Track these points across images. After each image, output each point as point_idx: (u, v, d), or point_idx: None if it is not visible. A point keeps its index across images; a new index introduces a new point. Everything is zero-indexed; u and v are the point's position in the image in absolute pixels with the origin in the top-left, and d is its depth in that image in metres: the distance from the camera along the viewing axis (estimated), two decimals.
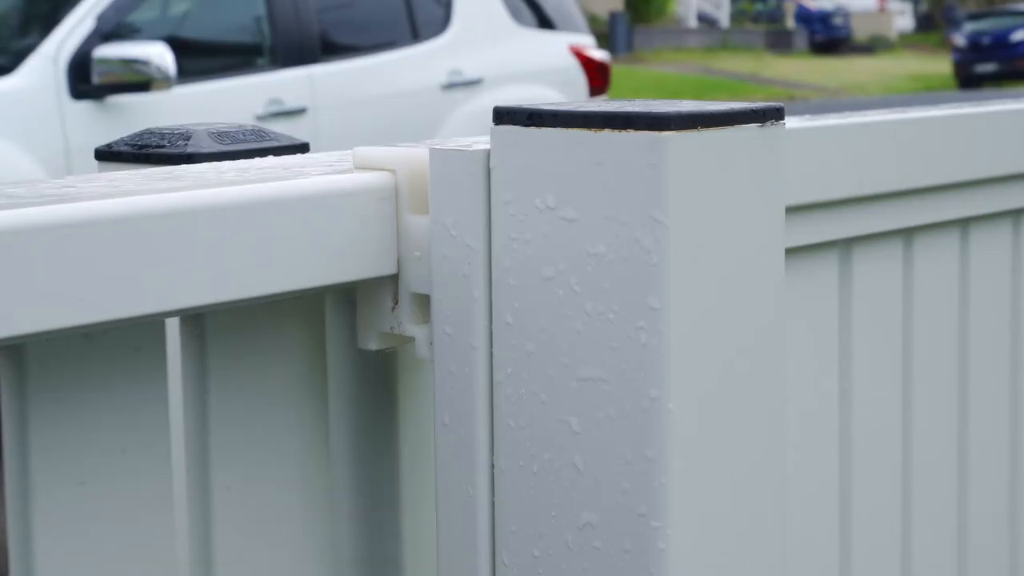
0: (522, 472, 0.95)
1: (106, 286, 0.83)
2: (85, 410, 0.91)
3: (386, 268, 0.99)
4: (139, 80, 5.58)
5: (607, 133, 0.88)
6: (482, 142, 1.01)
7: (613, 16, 27.27)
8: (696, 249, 0.89)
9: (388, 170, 0.99)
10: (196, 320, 0.97)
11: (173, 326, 0.99)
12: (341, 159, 1.08)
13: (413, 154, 0.99)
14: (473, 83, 6.84)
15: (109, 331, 0.90)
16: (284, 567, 1.03)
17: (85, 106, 5.58)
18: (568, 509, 0.93)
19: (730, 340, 0.92)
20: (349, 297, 1.05)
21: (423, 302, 1.01)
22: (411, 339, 1.02)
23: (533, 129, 0.92)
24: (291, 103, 6.16)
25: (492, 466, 0.97)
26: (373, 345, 1.04)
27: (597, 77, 7.34)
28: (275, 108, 6.10)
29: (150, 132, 1.16)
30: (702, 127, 0.88)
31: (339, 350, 1.07)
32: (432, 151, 0.97)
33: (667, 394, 0.88)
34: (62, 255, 0.81)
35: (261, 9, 6.29)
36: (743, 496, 0.94)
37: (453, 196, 0.96)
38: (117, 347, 0.92)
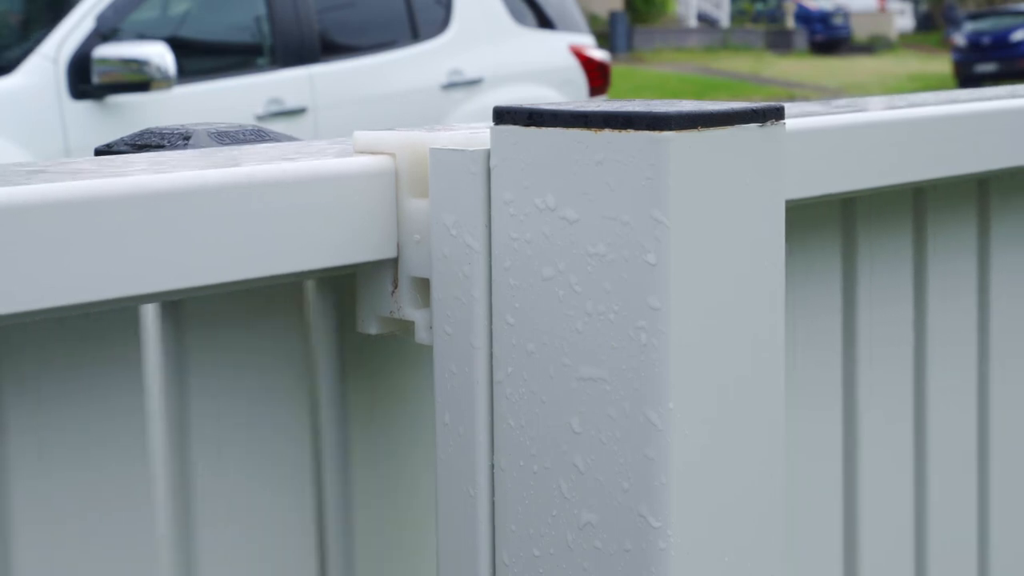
0: (522, 472, 0.95)
1: (89, 268, 0.82)
2: (61, 399, 0.90)
3: (386, 252, 0.99)
4: (139, 80, 5.59)
5: (607, 133, 0.88)
6: (482, 128, 1.01)
7: (613, 16, 27.27)
8: (696, 249, 0.89)
9: (388, 154, 0.99)
10: (174, 306, 0.96)
11: (147, 312, 0.97)
12: (341, 144, 1.08)
13: (413, 138, 0.98)
14: (473, 83, 6.85)
15: (87, 315, 0.89)
16: (267, 557, 1.03)
17: (85, 106, 5.59)
18: (568, 509, 0.93)
19: (730, 340, 0.92)
20: (341, 282, 1.05)
21: (422, 286, 1.00)
22: (411, 323, 1.02)
23: (533, 129, 0.92)
24: (291, 103, 6.17)
25: (492, 466, 0.97)
26: (373, 329, 1.03)
27: (597, 77, 7.35)
28: (275, 108, 6.10)
29: (150, 132, 1.16)
30: (702, 127, 0.88)
31: (332, 335, 1.07)
32: (432, 151, 0.97)
33: (667, 394, 0.88)
34: (51, 234, 0.80)
35: (261, 9, 6.29)
36: (743, 496, 0.94)
37: (453, 195, 0.96)
38: (92, 333, 0.91)
